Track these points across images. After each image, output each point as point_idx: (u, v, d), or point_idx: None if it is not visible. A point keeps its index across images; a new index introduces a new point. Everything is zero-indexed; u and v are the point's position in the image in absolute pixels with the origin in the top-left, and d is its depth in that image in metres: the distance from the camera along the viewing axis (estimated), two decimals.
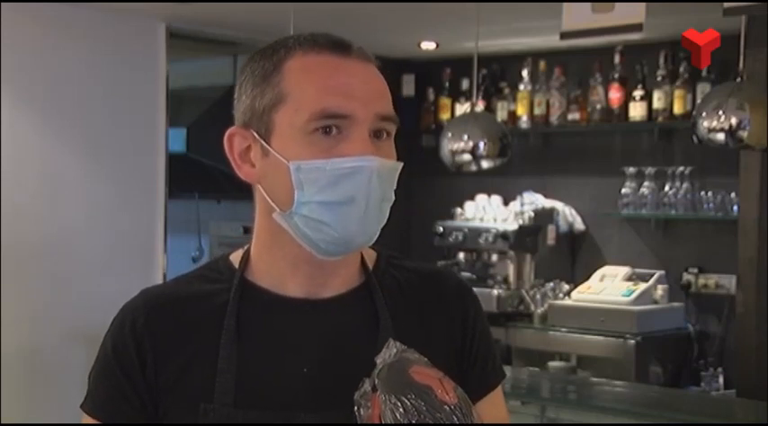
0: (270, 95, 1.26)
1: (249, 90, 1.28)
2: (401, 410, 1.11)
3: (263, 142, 1.27)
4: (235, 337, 1.29)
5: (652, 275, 4.95)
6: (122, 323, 1.32)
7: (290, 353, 1.30)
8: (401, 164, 1.29)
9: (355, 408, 1.15)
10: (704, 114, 3.43)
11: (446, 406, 1.12)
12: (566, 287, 5.23)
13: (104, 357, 1.32)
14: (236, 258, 1.37)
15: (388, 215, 1.29)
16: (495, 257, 5.40)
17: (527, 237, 5.29)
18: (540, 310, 5.15)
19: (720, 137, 3.40)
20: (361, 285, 1.35)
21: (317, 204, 1.24)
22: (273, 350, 1.30)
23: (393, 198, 1.29)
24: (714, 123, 3.40)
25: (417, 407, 1.11)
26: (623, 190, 5.14)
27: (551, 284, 5.28)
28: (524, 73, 5.43)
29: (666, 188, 5.04)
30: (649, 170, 5.09)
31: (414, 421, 1.10)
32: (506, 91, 5.60)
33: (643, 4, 3.47)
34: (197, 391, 1.27)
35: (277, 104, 1.25)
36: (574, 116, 5.30)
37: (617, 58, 5.12)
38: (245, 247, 1.37)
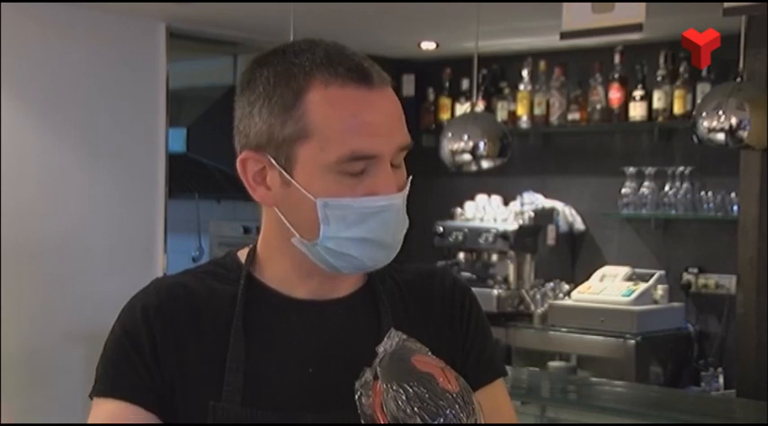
0: (291, 128, 1.24)
1: (265, 115, 1.25)
2: (403, 397, 1.11)
3: (284, 172, 1.26)
4: (243, 336, 1.29)
5: (652, 275, 4.94)
6: (134, 308, 1.32)
7: (296, 354, 1.30)
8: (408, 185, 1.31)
9: (356, 396, 1.15)
10: (704, 114, 3.43)
11: (448, 394, 1.12)
12: (566, 287, 5.23)
13: (116, 340, 1.31)
14: (243, 255, 1.37)
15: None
16: (495, 257, 5.40)
17: (527, 237, 5.29)
18: (540, 310, 5.15)
19: (720, 137, 3.40)
20: (363, 287, 1.37)
21: (344, 239, 1.25)
22: (280, 351, 1.31)
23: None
24: (714, 123, 3.39)
25: (419, 395, 1.11)
26: (623, 190, 5.14)
27: (551, 284, 5.28)
28: (524, 73, 5.43)
29: (666, 188, 5.04)
30: (649, 170, 5.09)
31: (416, 409, 1.10)
32: (506, 91, 5.59)
33: (643, 4, 3.47)
34: (203, 388, 1.27)
35: (300, 139, 1.24)
36: (574, 116, 5.30)
37: (617, 58, 5.11)
38: (251, 245, 1.38)
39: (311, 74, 1.24)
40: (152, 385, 1.28)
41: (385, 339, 1.19)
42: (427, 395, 1.11)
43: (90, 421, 1.30)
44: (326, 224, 1.25)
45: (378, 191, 1.24)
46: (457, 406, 1.12)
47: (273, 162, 1.26)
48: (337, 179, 1.24)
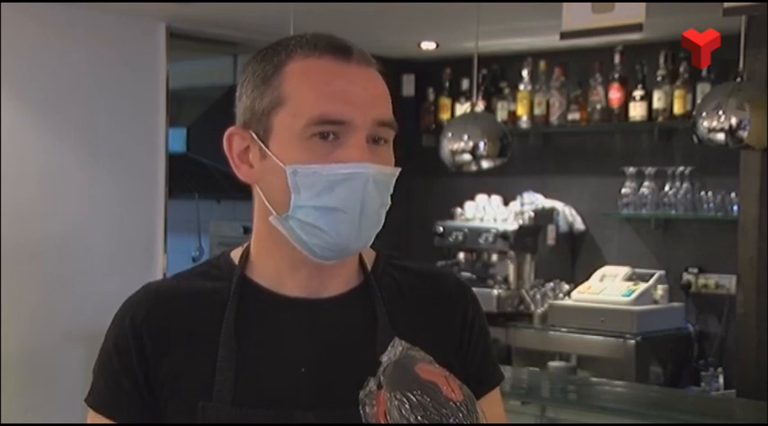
0: (269, 98, 1.26)
1: (249, 91, 1.28)
2: (407, 406, 1.11)
3: (261, 144, 1.27)
4: (234, 335, 1.29)
5: (652, 275, 4.94)
6: (123, 317, 1.33)
7: (288, 352, 1.30)
8: (398, 170, 1.30)
9: (360, 406, 1.15)
10: (704, 114, 3.43)
11: (452, 403, 1.12)
12: (566, 287, 5.23)
13: (106, 352, 1.33)
14: (236, 255, 1.37)
15: (383, 220, 1.29)
16: (495, 257, 5.40)
17: (527, 237, 5.29)
18: (540, 310, 5.15)
19: (720, 137, 3.40)
20: (359, 285, 1.36)
21: (312, 209, 1.24)
22: (271, 349, 1.30)
23: (389, 202, 1.29)
24: (714, 123, 3.40)
25: (423, 403, 1.11)
26: (623, 190, 5.14)
27: (551, 284, 5.28)
28: (524, 73, 5.43)
29: (666, 188, 5.04)
30: (649, 170, 5.09)
31: (419, 417, 1.10)
32: (506, 91, 5.59)
33: (643, 4, 3.47)
34: (195, 388, 1.28)
35: (276, 107, 1.26)
36: (574, 116, 5.30)
37: (617, 58, 5.11)
38: (245, 245, 1.38)
39: (294, 50, 1.27)
40: (140, 402, 1.30)
41: (389, 348, 1.18)
42: (430, 404, 1.11)
43: None
44: (297, 192, 1.24)
45: (348, 160, 1.23)
46: (461, 415, 1.12)
47: (255, 136, 1.28)
48: (308, 146, 1.24)
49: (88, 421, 1.34)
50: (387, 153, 1.29)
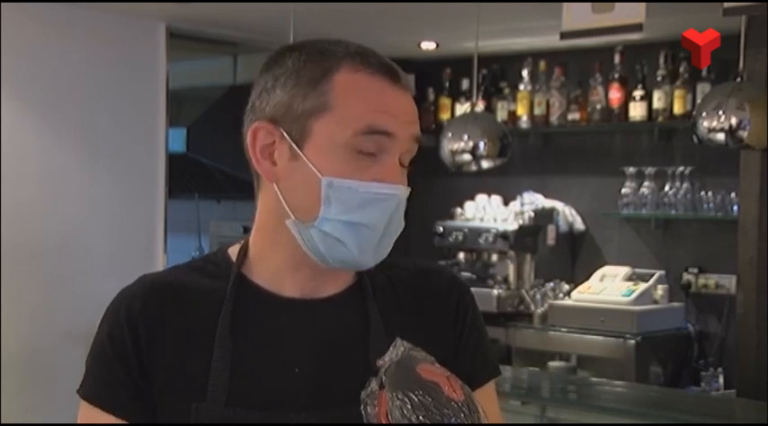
0: (313, 102, 1.25)
1: (288, 87, 1.26)
2: (408, 406, 1.11)
3: (295, 146, 1.26)
4: (229, 335, 1.29)
5: (652, 275, 4.94)
6: (118, 308, 1.32)
7: (283, 353, 1.30)
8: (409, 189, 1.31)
9: (362, 406, 1.16)
10: (704, 114, 3.43)
11: (453, 403, 1.12)
12: (566, 287, 5.23)
13: (100, 342, 1.32)
14: (233, 252, 1.36)
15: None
16: (495, 257, 5.40)
17: (527, 237, 5.29)
18: (540, 310, 5.15)
19: (720, 137, 3.40)
20: (353, 284, 1.35)
21: (339, 222, 1.24)
22: (266, 350, 1.30)
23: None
24: (714, 123, 3.39)
25: (425, 403, 1.11)
26: (623, 190, 5.15)
27: (551, 284, 5.28)
28: (524, 73, 5.43)
29: (666, 188, 5.04)
30: (649, 170, 5.09)
31: (421, 417, 1.10)
32: (506, 91, 5.59)
33: (643, 4, 3.47)
34: (189, 387, 1.27)
35: (319, 113, 1.24)
36: (574, 116, 5.30)
37: (617, 58, 5.11)
38: (242, 241, 1.37)
39: (343, 59, 1.27)
40: (134, 391, 1.29)
41: (390, 348, 1.18)
42: (432, 404, 1.11)
43: (78, 421, 1.32)
44: (327, 204, 1.24)
45: (384, 179, 1.24)
46: (462, 415, 1.12)
47: (286, 135, 1.26)
48: (347, 158, 1.23)
49: (80, 413, 1.32)
50: (406, 175, 1.30)
